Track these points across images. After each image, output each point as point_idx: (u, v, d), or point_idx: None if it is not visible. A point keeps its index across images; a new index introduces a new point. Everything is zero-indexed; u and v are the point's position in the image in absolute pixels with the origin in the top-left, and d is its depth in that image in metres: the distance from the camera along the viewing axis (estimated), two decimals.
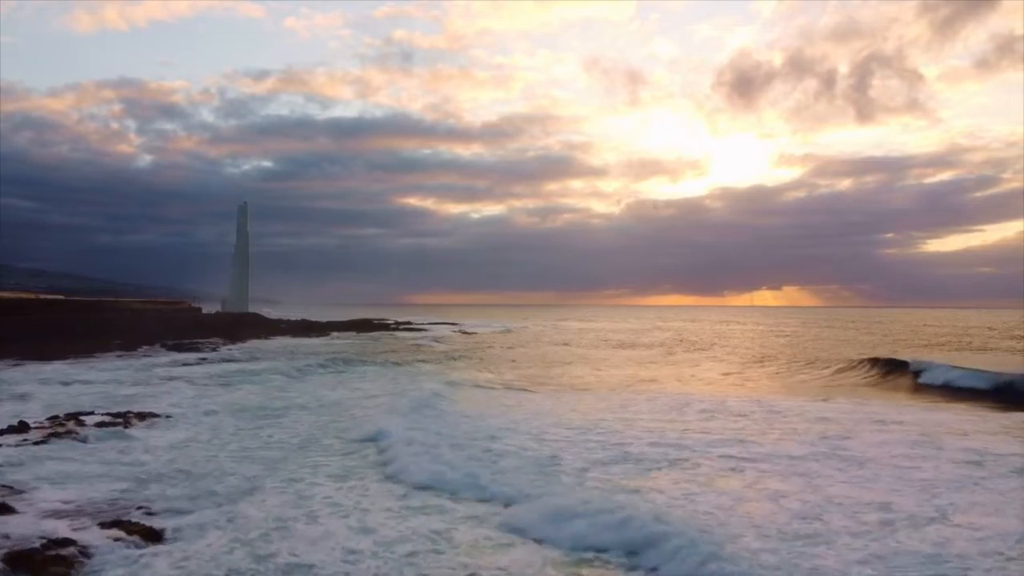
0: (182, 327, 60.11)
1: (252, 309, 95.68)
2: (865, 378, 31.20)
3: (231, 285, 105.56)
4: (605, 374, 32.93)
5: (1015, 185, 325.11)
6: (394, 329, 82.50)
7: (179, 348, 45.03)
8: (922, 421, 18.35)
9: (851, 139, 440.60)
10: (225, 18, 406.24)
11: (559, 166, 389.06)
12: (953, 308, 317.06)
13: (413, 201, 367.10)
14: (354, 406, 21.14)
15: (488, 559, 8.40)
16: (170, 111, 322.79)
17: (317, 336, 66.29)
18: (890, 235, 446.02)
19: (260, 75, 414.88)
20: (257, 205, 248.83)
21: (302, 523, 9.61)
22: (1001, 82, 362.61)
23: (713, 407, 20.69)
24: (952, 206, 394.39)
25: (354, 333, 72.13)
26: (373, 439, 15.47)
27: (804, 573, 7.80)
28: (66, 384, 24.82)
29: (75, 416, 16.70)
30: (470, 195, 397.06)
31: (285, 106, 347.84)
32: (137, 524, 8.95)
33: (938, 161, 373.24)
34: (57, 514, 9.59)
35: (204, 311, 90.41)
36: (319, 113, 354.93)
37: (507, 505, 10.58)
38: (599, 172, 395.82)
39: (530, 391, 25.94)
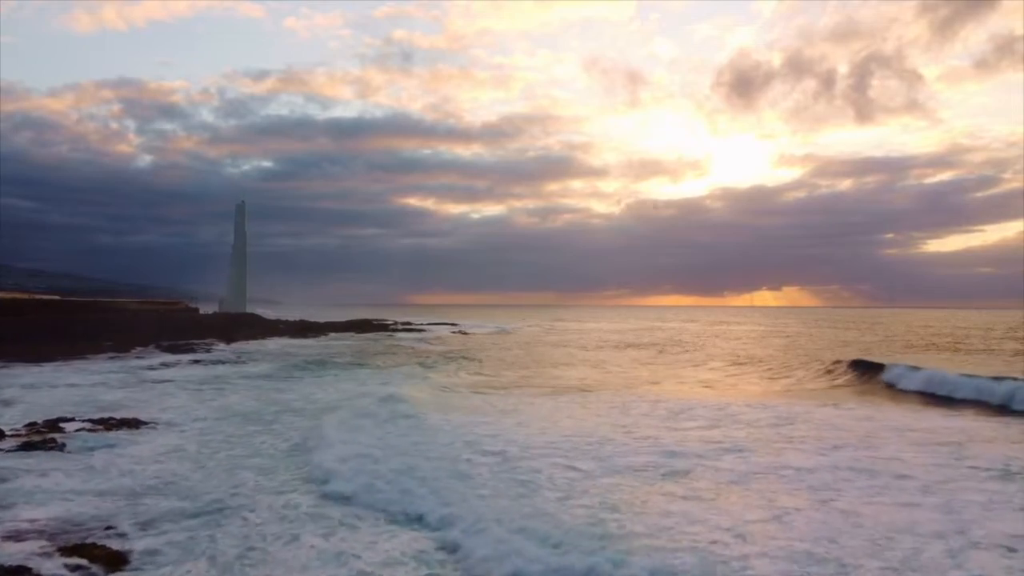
0: (178, 328, 59.37)
1: (251, 310, 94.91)
2: (848, 381, 30.11)
3: (229, 285, 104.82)
4: (596, 375, 32.22)
5: (1015, 185, 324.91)
6: (393, 330, 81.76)
7: (174, 349, 44.34)
8: (936, 428, 17.65)
9: (851, 139, 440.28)
10: (225, 18, 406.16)
11: (559, 166, 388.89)
12: (953, 308, 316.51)
13: (413, 201, 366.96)
14: (341, 409, 20.42)
15: None
16: (170, 111, 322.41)
17: (315, 337, 65.60)
18: (890, 235, 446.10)
19: (260, 75, 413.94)
20: (257, 205, 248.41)
21: (281, 544, 8.96)
22: (1001, 82, 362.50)
23: (708, 412, 19.99)
24: (952, 206, 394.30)
25: (352, 334, 71.43)
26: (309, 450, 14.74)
27: None
28: (53, 387, 24.16)
29: (55, 423, 16.01)
30: (470, 195, 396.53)
31: (285, 106, 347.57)
32: (102, 548, 8.28)
33: (938, 161, 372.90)
34: (19, 536, 8.91)
35: (201, 311, 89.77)
36: (319, 113, 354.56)
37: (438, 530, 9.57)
38: (599, 172, 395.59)
39: (517, 394, 25.14)
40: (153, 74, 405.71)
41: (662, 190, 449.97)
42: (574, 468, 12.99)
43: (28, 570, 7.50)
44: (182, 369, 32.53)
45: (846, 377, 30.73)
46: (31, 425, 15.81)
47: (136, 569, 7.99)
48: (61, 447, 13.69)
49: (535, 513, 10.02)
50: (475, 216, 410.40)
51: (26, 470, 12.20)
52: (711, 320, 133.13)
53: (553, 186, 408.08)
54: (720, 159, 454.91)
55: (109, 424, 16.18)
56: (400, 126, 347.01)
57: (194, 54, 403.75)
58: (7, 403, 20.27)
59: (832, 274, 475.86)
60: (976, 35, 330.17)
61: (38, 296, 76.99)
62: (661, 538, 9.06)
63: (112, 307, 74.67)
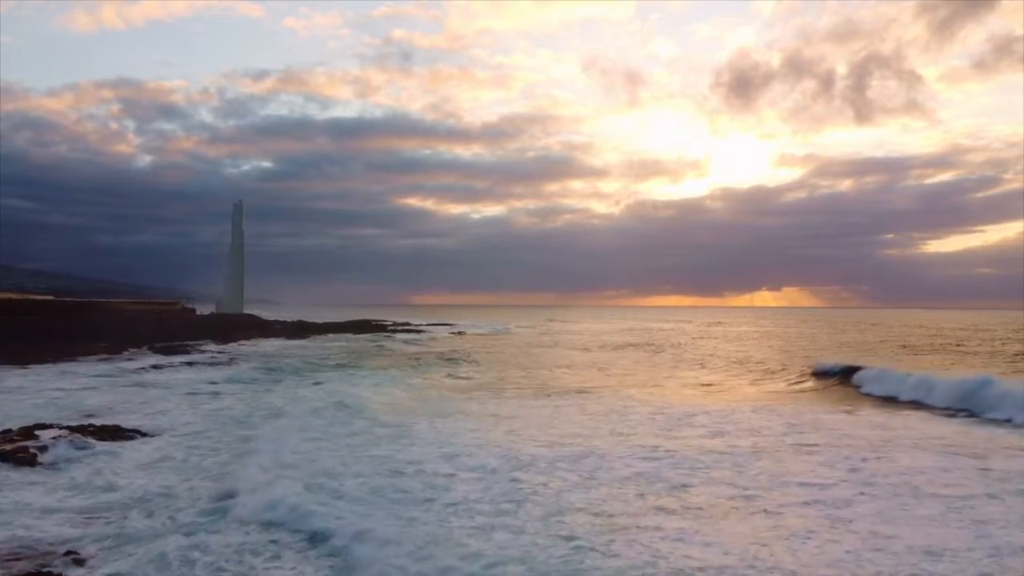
0: (173, 329, 58.66)
1: (250, 310, 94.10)
2: (830, 384, 29.37)
3: (226, 285, 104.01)
4: (578, 377, 31.49)
5: (1016, 186, 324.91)
6: (392, 331, 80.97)
7: (167, 351, 43.61)
8: (945, 435, 16.89)
9: (852, 140, 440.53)
10: (224, 17, 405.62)
11: (559, 166, 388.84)
12: (953, 309, 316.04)
13: (413, 201, 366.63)
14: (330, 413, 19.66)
15: None
16: (169, 111, 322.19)
17: (311, 338, 64.84)
18: (890, 236, 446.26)
19: (259, 75, 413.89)
20: (257, 206, 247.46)
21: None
22: (1002, 82, 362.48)
23: (709, 419, 19.20)
24: (953, 207, 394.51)
25: (350, 335, 70.67)
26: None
27: None
28: (37, 391, 23.41)
29: (30, 430, 15.25)
30: (470, 195, 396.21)
31: (284, 106, 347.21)
32: None
33: (939, 161, 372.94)
34: None
35: (198, 312, 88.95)
36: (318, 113, 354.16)
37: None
38: (599, 172, 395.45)
39: (504, 397, 24.35)
40: (152, 74, 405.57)
41: (662, 190, 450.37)
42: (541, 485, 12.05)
43: None
44: (173, 372, 31.79)
45: (829, 381, 29.79)
46: (5, 433, 15.05)
47: None
48: (33, 457, 12.94)
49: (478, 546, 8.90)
50: (475, 216, 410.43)
51: None
52: (708, 321, 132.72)
53: (553, 186, 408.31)
54: (720, 159, 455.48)
55: (88, 431, 15.41)
56: (400, 126, 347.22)
57: (193, 54, 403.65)
58: None
59: (832, 275, 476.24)
60: (975, 36, 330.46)
61: (31, 296, 76.26)
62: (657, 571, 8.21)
63: (107, 308, 73.88)
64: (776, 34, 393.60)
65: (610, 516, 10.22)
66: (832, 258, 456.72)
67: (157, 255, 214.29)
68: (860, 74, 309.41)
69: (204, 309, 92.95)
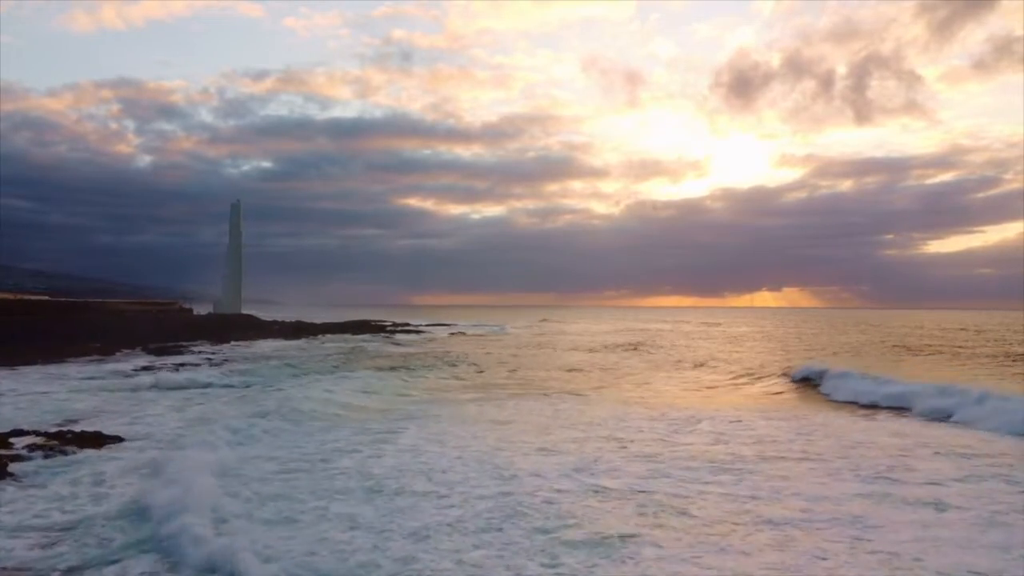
0: (169, 329, 57.86)
1: (250, 310, 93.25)
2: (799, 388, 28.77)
3: (224, 286, 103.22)
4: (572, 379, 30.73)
5: (1016, 186, 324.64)
6: (391, 331, 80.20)
7: (161, 352, 42.86)
8: (961, 442, 16.10)
9: (852, 140, 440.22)
10: (223, 17, 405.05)
11: (559, 167, 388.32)
12: (953, 310, 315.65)
13: (413, 202, 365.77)
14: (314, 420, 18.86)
15: None
16: (169, 111, 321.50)
17: (309, 338, 64.06)
18: (891, 236, 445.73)
19: (259, 75, 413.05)
20: (257, 206, 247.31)
21: None
22: (1002, 82, 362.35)
23: (710, 426, 18.46)
24: (953, 207, 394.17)
25: (348, 336, 69.89)
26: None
27: None
28: (20, 395, 22.58)
29: (5, 437, 14.44)
30: (470, 196, 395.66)
31: (284, 106, 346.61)
32: None
33: (939, 162, 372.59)
34: None
35: (196, 312, 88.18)
36: (318, 113, 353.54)
37: None
38: (599, 173, 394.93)
39: (494, 400, 23.63)
40: (152, 74, 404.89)
41: (662, 191, 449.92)
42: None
43: None
44: (165, 374, 30.90)
45: (798, 385, 29.08)
46: None
47: None
48: (3, 468, 12.12)
49: None
50: (475, 217, 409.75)
51: None
52: (699, 321, 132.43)
53: (553, 186, 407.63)
54: (720, 159, 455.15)
55: (67, 438, 14.59)
56: (400, 126, 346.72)
57: (193, 54, 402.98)
58: None
59: (832, 275, 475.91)
60: (975, 36, 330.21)
61: (26, 296, 75.48)
62: None
63: (103, 308, 73.15)
64: (776, 34, 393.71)
65: (606, 534, 9.46)
66: (832, 258, 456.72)
67: (157, 255, 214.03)
68: (860, 74, 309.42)
69: (202, 309, 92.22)
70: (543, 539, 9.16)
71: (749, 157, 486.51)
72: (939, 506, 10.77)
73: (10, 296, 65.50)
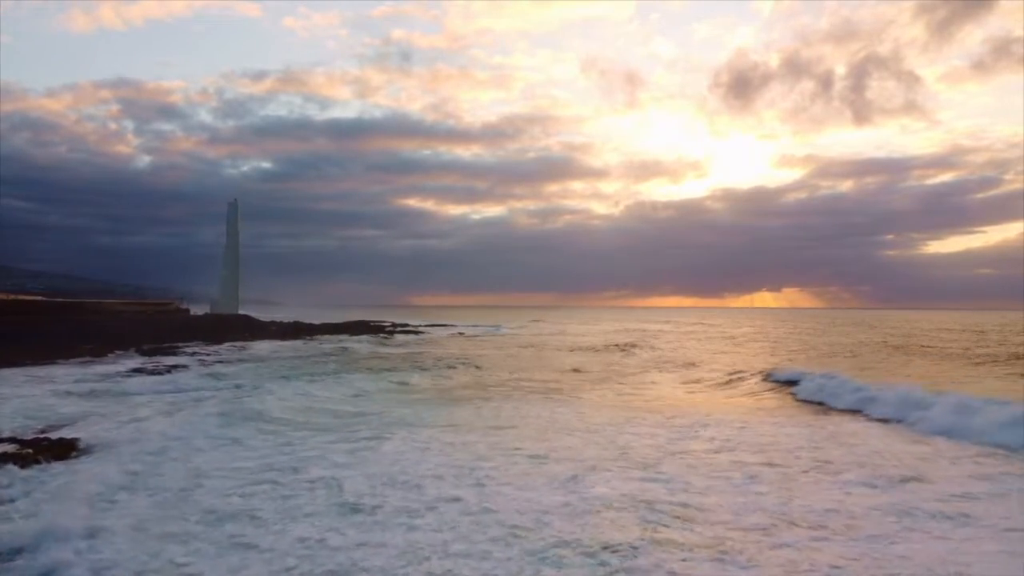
0: (165, 330, 57.35)
1: (249, 311, 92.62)
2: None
3: (221, 286, 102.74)
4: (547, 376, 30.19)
5: (1016, 186, 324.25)
6: (390, 332, 79.67)
7: (155, 353, 42.29)
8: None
9: (852, 140, 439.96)
10: (222, 17, 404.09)
11: (559, 167, 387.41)
12: (953, 310, 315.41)
13: (413, 202, 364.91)
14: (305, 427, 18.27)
15: None
16: (168, 111, 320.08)
17: (306, 339, 63.50)
18: (891, 236, 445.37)
19: (258, 75, 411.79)
20: (256, 206, 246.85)
21: None
22: (1003, 83, 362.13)
23: (711, 432, 17.89)
24: (953, 207, 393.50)
25: (346, 336, 69.35)
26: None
27: None
28: (2, 399, 21.98)
29: None
30: (470, 196, 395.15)
31: (284, 106, 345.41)
32: None
33: (940, 162, 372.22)
34: None
35: (193, 312, 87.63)
36: (318, 114, 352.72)
37: None
38: (599, 173, 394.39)
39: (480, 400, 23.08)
40: (151, 74, 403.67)
41: (662, 191, 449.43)
42: None
43: None
44: (156, 376, 30.35)
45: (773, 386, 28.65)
46: None
47: None
48: None
49: None
50: (475, 217, 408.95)
51: None
52: (699, 322, 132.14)
53: (553, 187, 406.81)
54: (720, 160, 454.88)
55: (42, 447, 13.99)
56: (399, 126, 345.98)
57: (192, 54, 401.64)
58: None
59: (832, 275, 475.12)
60: (974, 36, 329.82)
61: (21, 297, 74.91)
62: None
63: (98, 308, 72.60)
64: (775, 34, 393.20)
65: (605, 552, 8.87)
66: (832, 259, 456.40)
67: (156, 256, 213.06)
68: (859, 75, 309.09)
69: (201, 310, 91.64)
70: (533, 565, 8.44)
71: (749, 157, 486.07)
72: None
73: (2, 296, 64.88)
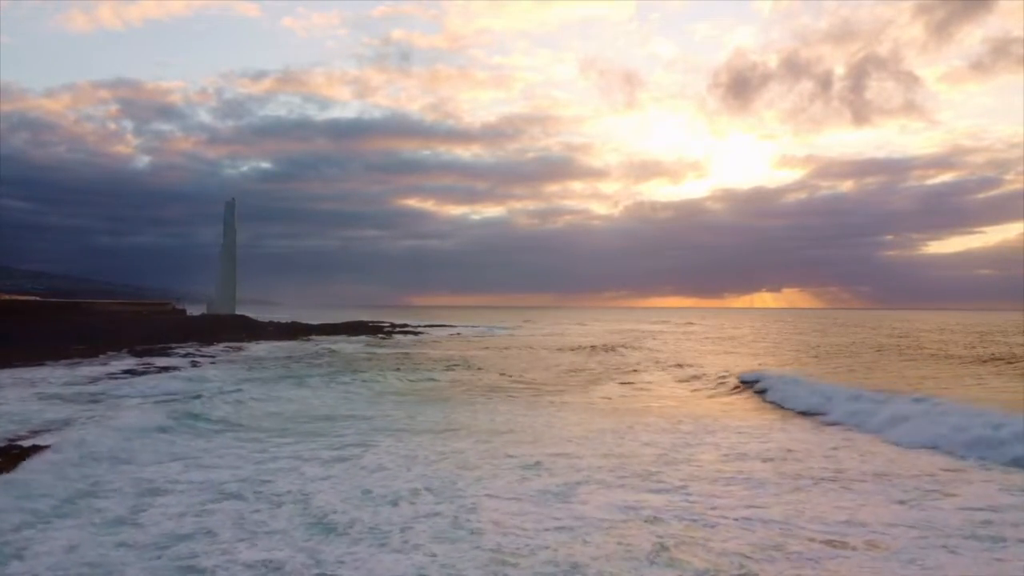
0: (160, 330, 56.84)
1: (249, 311, 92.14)
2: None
3: (218, 286, 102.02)
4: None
5: (1016, 186, 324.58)
6: (388, 332, 79.17)
7: (148, 353, 41.71)
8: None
9: (853, 140, 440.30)
10: (221, 17, 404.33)
11: (559, 167, 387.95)
12: (953, 310, 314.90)
13: (413, 202, 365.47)
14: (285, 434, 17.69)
15: None
16: (167, 112, 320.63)
17: (303, 340, 62.98)
18: (891, 237, 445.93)
19: (257, 75, 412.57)
20: (256, 206, 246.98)
21: None
22: (1003, 83, 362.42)
23: (713, 438, 17.35)
24: (953, 207, 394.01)
25: (345, 336, 68.85)
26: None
27: None
28: None
29: None
30: (470, 196, 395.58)
31: (283, 107, 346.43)
32: None
33: (940, 162, 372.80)
34: None
35: (190, 313, 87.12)
36: (317, 114, 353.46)
37: None
38: (599, 173, 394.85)
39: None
40: (150, 74, 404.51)
41: (662, 191, 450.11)
42: None
43: None
44: (143, 377, 29.75)
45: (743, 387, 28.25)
46: None
47: None
48: None
49: None
50: (475, 217, 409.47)
51: None
52: (689, 321, 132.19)
53: (553, 187, 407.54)
54: (720, 160, 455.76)
55: (12, 455, 13.41)
56: (399, 127, 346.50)
57: (191, 54, 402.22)
58: None
59: (832, 276, 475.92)
60: (972, 37, 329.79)
61: (16, 297, 74.41)
62: None
63: (93, 309, 72.17)
64: (774, 35, 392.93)
65: None
66: (832, 259, 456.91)
67: (155, 256, 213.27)
68: (858, 75, 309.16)
69: (198, 310, 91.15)
70: None
71: (749, 158, 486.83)
72: None
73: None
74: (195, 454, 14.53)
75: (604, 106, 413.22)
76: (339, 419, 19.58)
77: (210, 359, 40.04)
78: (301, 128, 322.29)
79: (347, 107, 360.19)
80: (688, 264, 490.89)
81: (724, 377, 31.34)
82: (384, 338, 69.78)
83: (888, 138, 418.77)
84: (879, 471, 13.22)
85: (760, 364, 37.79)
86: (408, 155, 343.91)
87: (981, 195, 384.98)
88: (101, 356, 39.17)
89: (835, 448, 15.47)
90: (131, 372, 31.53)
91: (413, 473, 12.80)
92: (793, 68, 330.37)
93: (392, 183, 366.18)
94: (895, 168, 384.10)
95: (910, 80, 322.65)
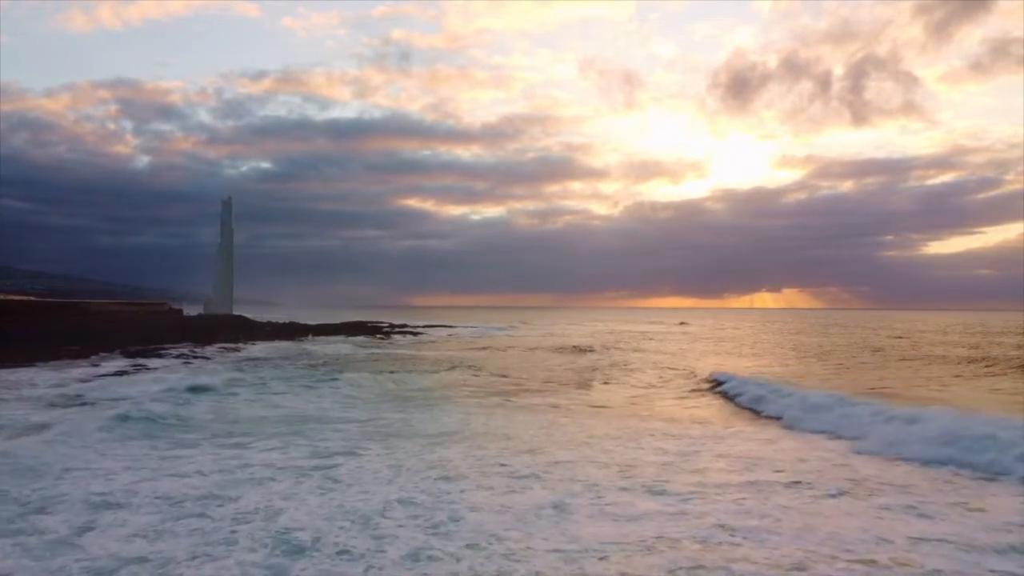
0: (155, 330, 56.22)
1: (248, 311, 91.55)
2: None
3: (215, 285, 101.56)
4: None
5: (1017, 187, 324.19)
6: (387, 333, 78.63)
7: (141, 354, 41.15)
8: None
9: (852, 141, 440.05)
10: (221, 17, 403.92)
11: (559, 167, 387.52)
12: (953, 311, 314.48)
13: (413, 203, 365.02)
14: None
15: None
16: (167, 112, 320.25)
17: (300, 340, 62.53)
18: (890, 237, 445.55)
19: (257, 75, 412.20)
20: (256, 207, 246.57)
21: None
22: (1003, 83, 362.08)
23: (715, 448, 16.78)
24: (953, 208, 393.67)
25: (343, 337, 68.32)
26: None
27: None
28: None
29: None
30: (470, 196, 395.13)
31: (283, 107, 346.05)
32: None
33: (940, 162, 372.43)
34: None
35: (187, 313, 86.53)
36: (317, 114, 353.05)
37: None
38: (599, 173, 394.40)
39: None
40: (150, 74, 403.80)
41: (662, 191, 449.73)
42: None
43: None
44: (134, 380, 29.17)
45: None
46: None
47: None
48: None
49: None
50: (475, 217, 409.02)
51: None
52: (682, 321, 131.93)
53: (553, 187, 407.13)
54: (720, 160, 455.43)
55: None
56: (399, 127, 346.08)
57: (191, 54, 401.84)
58: None
59: (832, 276, 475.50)
60: (972, 37, 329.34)
61: (12, 297, 73.78)
62: None
63: (88, 309, 71.49)
64: (774, 35, 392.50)
65: None
66: (832, 259, 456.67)
67: (155, 256, 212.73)
68: (857, 75, 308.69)
69: (196, 310, 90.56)
70: None
71: (749, 158, 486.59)
72: None
73: None
74: (166, 463, 13.44)
75: (604, 106, 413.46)
76: (329, 422, 18.92)
77: (204, 360, 39.49)
78: (301, 128, 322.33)
79: (347, 107, 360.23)
80: (688, 264, 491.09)
81: (693, 377, 30.92)
82: (382, 339, 69.25)
83: (888, 138, 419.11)
84: (852, 478, 12.67)
85: (759, 367, 37.34)
86: (408, 155, 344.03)
87: (981, 195, 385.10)
88: (92, 357, 38.59)
89: (803, 459, 14.48)
90: (121, 373, 30.98)
91: (396, 485, 11.89)
92: (793, 68, 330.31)
93: (392, 183, 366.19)
94: (895, 168, 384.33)
95: (910, 80, 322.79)
